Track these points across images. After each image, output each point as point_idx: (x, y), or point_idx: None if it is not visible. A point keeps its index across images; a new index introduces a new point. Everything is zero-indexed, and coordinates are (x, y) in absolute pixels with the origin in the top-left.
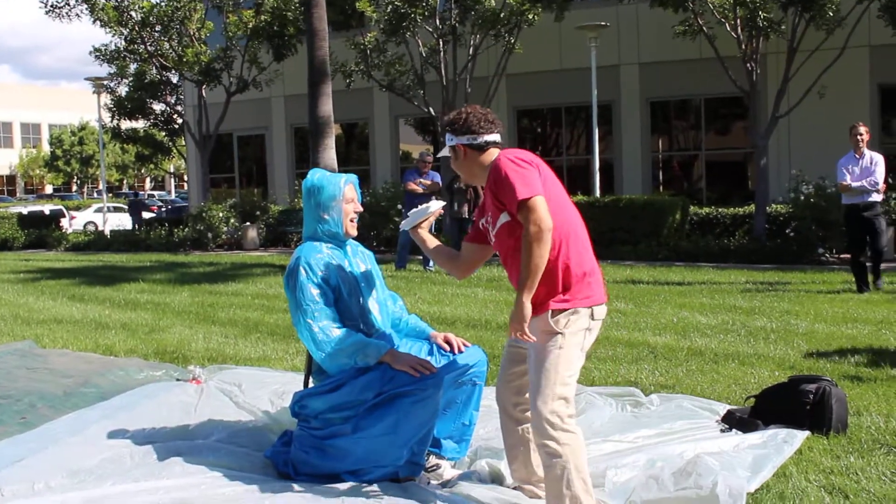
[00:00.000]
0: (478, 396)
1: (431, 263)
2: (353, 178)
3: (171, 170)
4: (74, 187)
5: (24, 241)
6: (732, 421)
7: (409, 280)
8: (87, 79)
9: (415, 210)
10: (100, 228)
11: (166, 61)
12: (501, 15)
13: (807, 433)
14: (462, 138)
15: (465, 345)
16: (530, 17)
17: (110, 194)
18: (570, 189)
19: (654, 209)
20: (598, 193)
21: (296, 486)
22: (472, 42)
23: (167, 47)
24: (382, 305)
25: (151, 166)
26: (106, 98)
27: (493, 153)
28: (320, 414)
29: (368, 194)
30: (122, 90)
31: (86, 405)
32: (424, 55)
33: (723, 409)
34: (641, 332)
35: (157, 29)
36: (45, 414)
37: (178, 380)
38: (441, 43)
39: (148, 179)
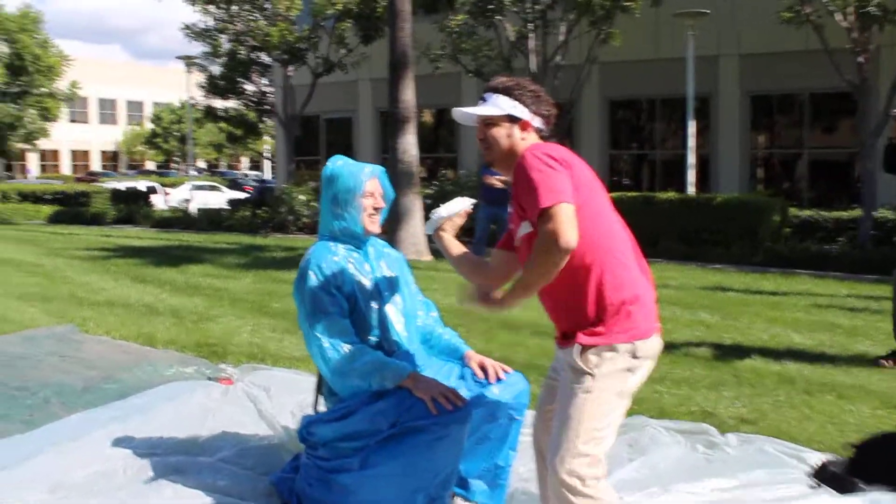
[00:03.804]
0: (515, 433)
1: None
2: (380, 169)
3: (265, 151)
4: (174, 164)
5: (114, 216)
6: (825, 476)
7: None
8: (178, 57)
9: (437, 209)
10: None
11: (254, 40)
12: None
13: None
14: (535, 117)
15: (504, 371)
16: (630, 5)
17: (207, 172)
18: (662, 185)
19: (749, 209)
20: (691, 190)
21: None
22: (562, 28)
23: (255, 26)
24: (408, 318)
25: (242, 147)
26: (200, 77)
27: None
28: (329, 442)
29: (452, 183)
30: (216, 69)
31: (101, 403)
32: (513, 40)
33: (813, 457)
34: (724, 351)
35: (245, 7)
36: (55, 412)
37: (209, 378)
38: (534, 26)
39: (243, 159)
